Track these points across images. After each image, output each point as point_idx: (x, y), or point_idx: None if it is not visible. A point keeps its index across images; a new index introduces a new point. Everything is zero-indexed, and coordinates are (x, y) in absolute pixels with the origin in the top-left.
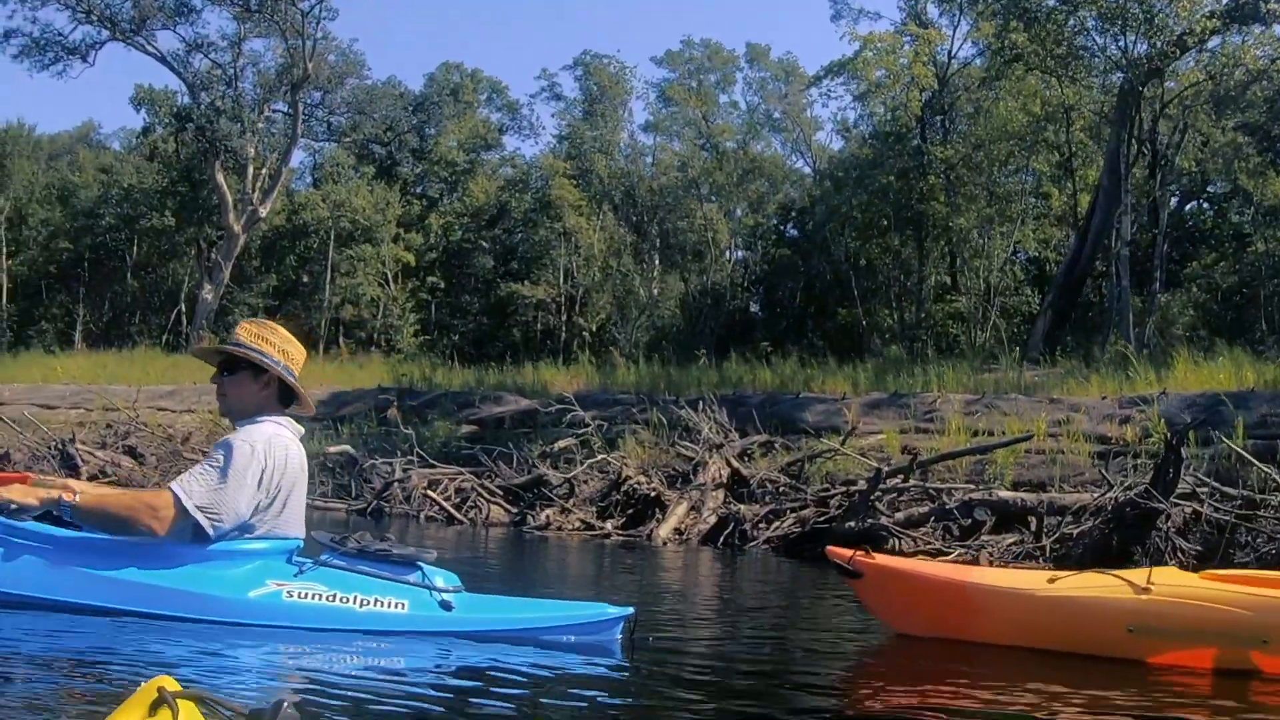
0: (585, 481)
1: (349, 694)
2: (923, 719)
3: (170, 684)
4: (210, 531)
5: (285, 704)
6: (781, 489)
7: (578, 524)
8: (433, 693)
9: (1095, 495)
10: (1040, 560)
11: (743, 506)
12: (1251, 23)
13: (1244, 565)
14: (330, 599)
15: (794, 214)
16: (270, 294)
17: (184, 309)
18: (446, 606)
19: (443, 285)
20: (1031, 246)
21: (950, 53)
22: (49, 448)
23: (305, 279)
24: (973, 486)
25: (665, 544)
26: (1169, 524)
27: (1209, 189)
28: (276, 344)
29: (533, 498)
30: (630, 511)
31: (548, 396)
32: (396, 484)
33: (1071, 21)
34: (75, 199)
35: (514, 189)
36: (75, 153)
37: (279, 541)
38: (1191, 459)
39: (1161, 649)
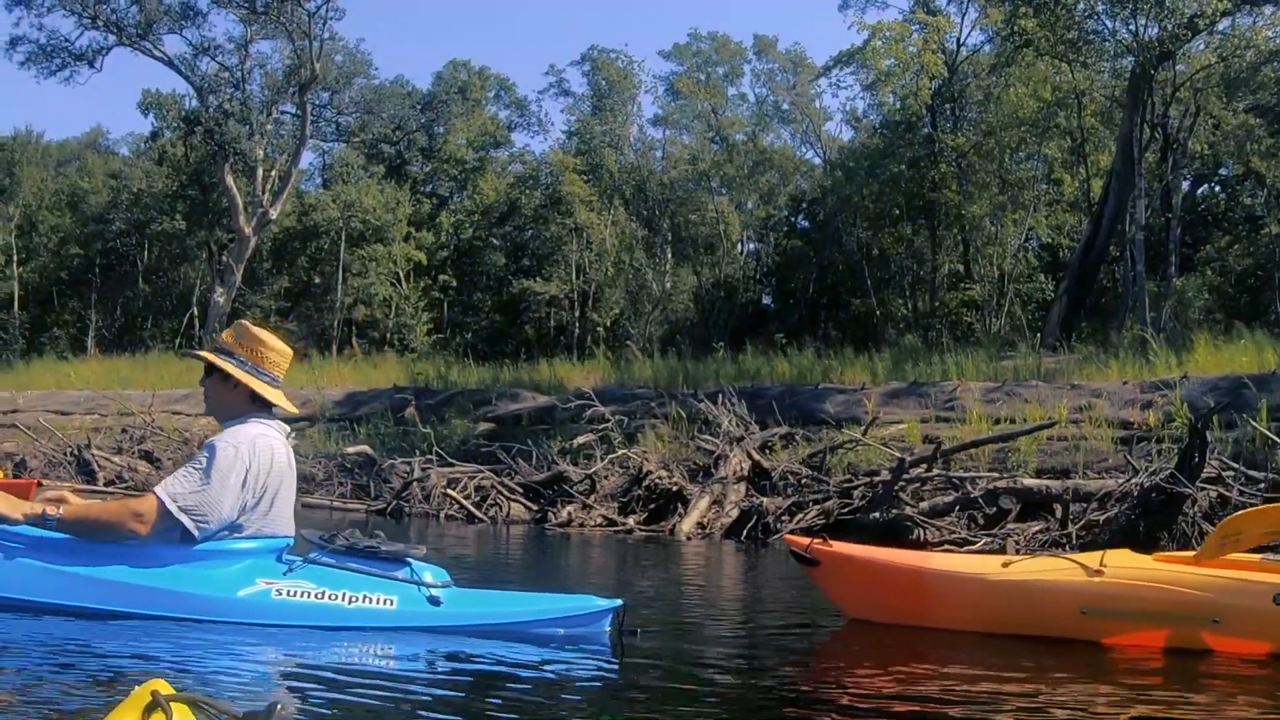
0: (606, 477)
1: (338, 690)
2: (891, 707)
3: (164, 687)
4: (196, 533)
5: (279, 705)
6: (804, 481)
7: (600, 520)
8: (421, 687)
9: (1120, 481)
10: (1067, 547)
11: (765, 499)
12: (1262, 4)
13: (1275, 549)
14: (319, 596)
15: (805, 205)
16: (282, 296)
17: (196, 313)
18: (435, 602)
19: (455, 283)
20: (1044, 233)
21: (959, 40)
22: (65, 454)
23: (317, 280)
24: (997, 475)
25: (688, 539)
26: (1195, 508)
27: (1221, 172)
28: (248, 346)
29: (553, 494)
30: (652, 506)
31: (565, 393)
32: (415, 483)
33: (1081, 5)
34: (85, 205)
35: (524, 186)
36: (84, 159)
37: (268, 540)
38: (1215, 443)
39: (1115, 630)
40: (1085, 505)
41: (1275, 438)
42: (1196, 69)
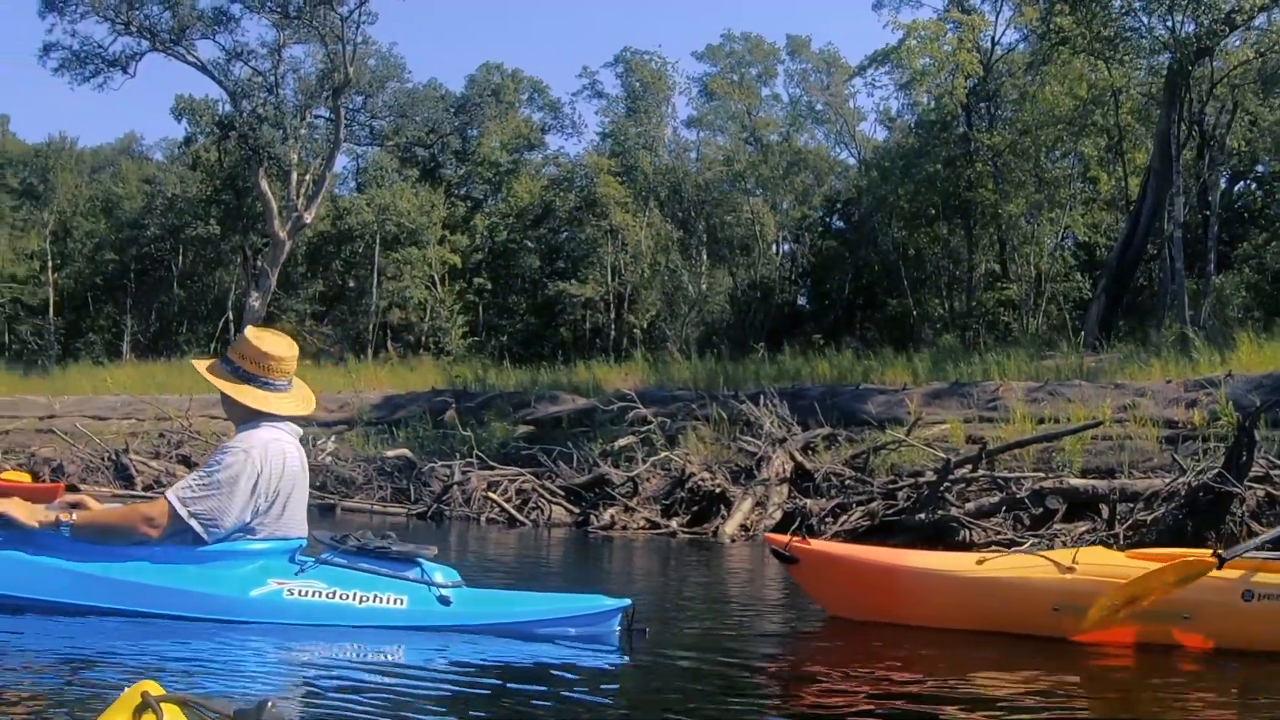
0: (648, 479)
1: (348, 688)
2: (867, 706)
3: (154, 688)
4: (206, 537)
5: (270, 704)
6: (847, 482)
7: (642, 523)
8: (431, 686)
9: (1167, 480)
10: (1115, 548)
11: (809, 501)
12: None
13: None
14: (330, 596)
15: (840, 205)
16: (317, 300)
17: (231, 317)
18: (445, 601)
19: (490, 286)
20: (1081, 231)
21: (994, 38)
22: (102, 459)
23: (351, 284)
24: (1042, 475)
25: (731, 541)
26: (1243, 508)
27: (1258, 169)
28: (250, 358)
29: (595, 497)
30: (695, 509)
31: (603, 395)
32: (456, 487)
33: (1118, 2)
34: (119, 210)
35: (558, 188)
36: (118, 165)
37: (280, 542)
38: (1262, 441)
39: (1087, 626)
40: (1132, 505)
41: None
42: (1234, 65)
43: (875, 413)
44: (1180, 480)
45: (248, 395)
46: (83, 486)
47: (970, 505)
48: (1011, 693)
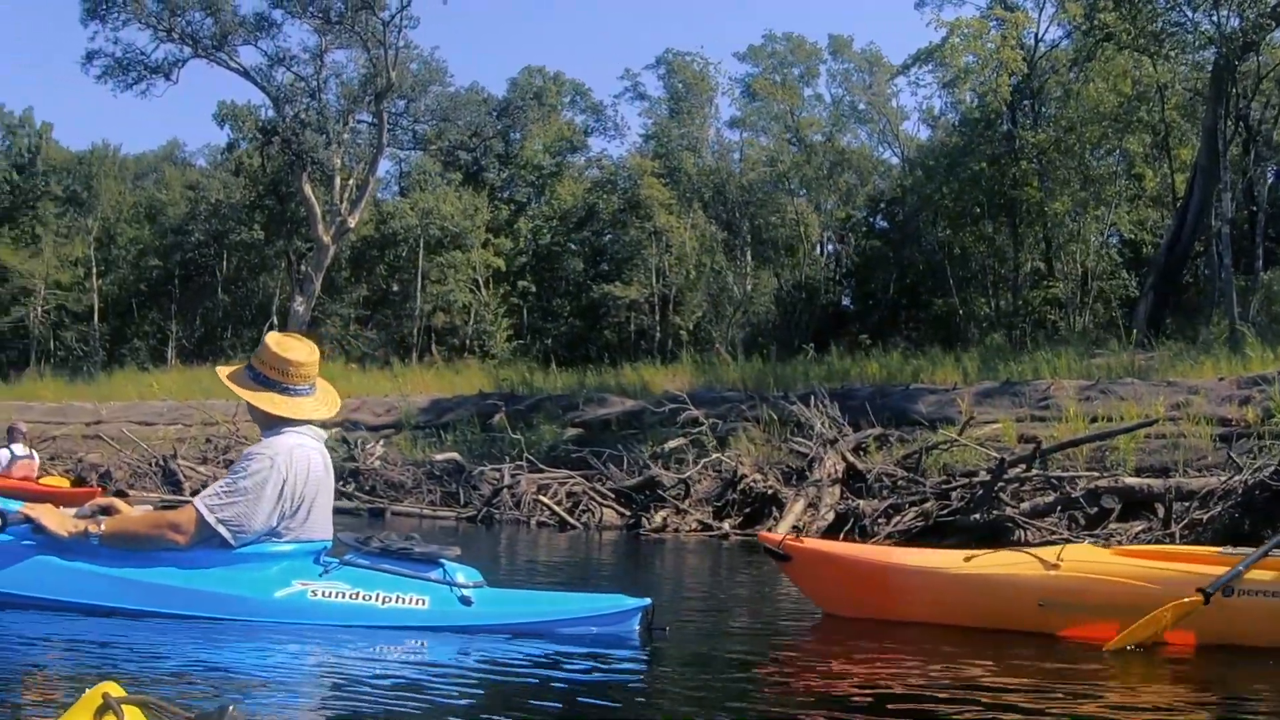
0: (699, 481)
1: (367, 687)
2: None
3: (115, 690)
4: (233, 542)
5: (231, 706)
6: (899, 483)
7: (694, 525)
8: (449, 685)
9: (1222, 479)
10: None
11: (861, 502)
12: None
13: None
14: (353, 597)
15: (883, 205)
16: (361, 304)
17: (276, 322)
18: (466, 602)
19: (534, 289)
20: (1126, 228)
21: (1037, 35)
22: (150, 464)
23: (395, 288)
24: (1097, 474)
25: None
26: None
27: None
28: (271, 364)
29: (646, 499)
30: (747, 510)
31: (651, 397)
32: (506, 490)
33: None
34: (163, 217)
35: (602, 190)
36: (161, 171)
37: (305, 544)
38: None
39: (1071, 622)
40: (1188, 504)
41: None
42: None
43: (926, 412)
44: (1236, 478)
45: (270, 402)
46: (130, 491)
47: (1025, 505)
48: (997, 687)
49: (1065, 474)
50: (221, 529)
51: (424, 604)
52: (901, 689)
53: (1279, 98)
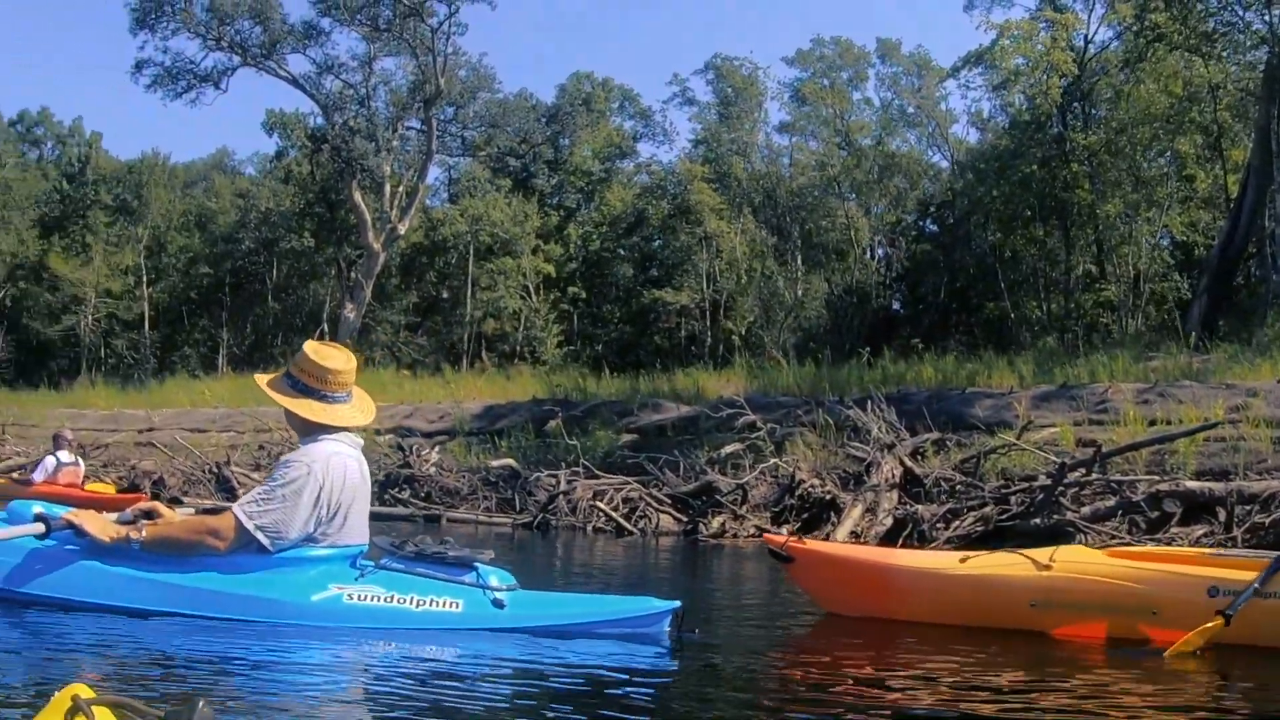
0: (756, 486)
1: (400, 688)
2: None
3: (85, 691)
4: (271, 548)
5: (201, 704)
6: (957, 487)
7: (752, 530)
8: (480, 687)
9: None
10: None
11: (920, 506)
12: None
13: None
14: (388, 600)
15: (933, 209)
16: (411, 310)
17: (326, 329)
18: (499, 604)
19: (584, 295)
20: (1178, 230)
21: (1087, 37)
22: (203, 471)
23: (445, 294)
24: (1157, 478)
25: None
26: None
27: None
28: (310, 371)
29: (703, 505)
30: (805, 515)
31: (704, 402)
32: (562, 496)
33: None
34: (213, 225)
35: (651, 196)
36: (211, 179)
37: (342, 549)
38: None
39: (1061, 621)
40: (1249, 507)
41: None
42: None
43: (983, 416)
44: None
45: (308, 409)
46: (185, 499)
47: (1086, 509)
48: (990, 684)
49: (1125, 478)
50: (259, 535)
51: (457, 607)
52: (901, 689)
53: None
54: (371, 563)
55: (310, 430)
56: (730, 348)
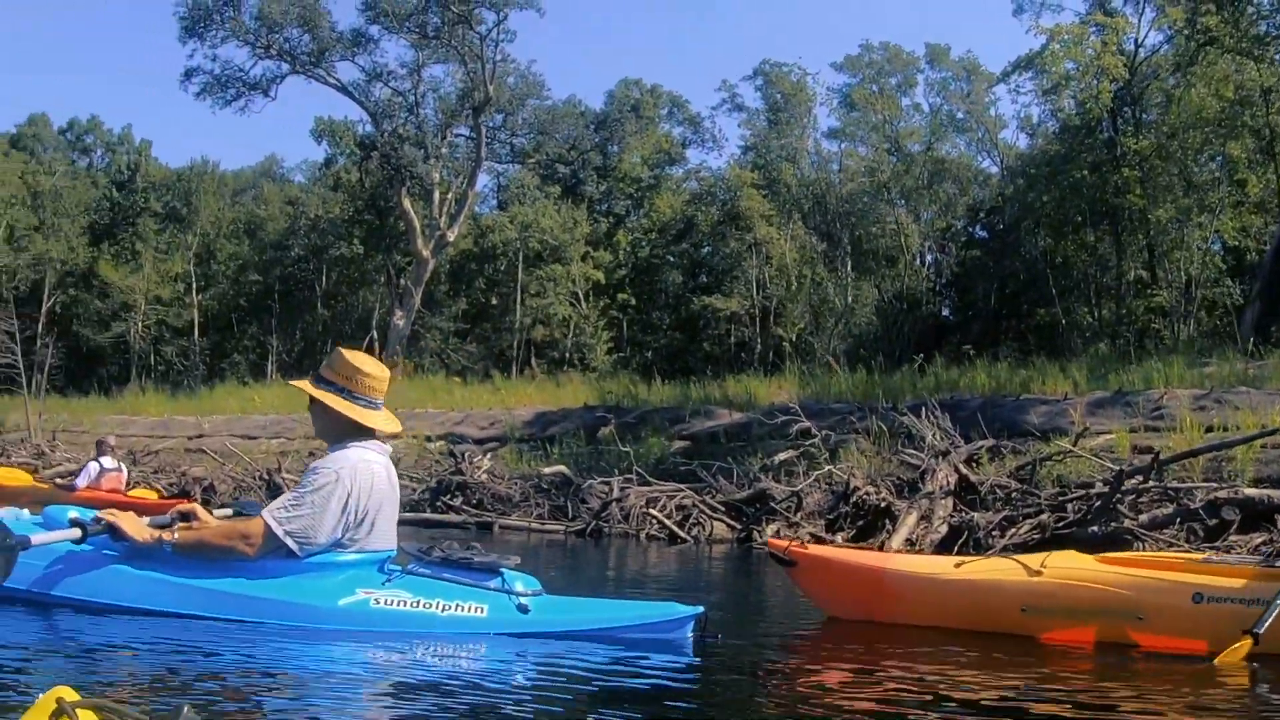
0: (810, 493)
1: (424, 692)
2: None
3: (69, 694)
4: (300, 553)
5: (186, 708)
6: (1013, 494)
7: (807, 538)
8: (504, 690)
9: None
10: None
11: (976, 514)
12: None
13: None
14: (414, 605)
15: (983, 214)
16: (460, 317)
17: (376, 336)
18: (524, 609)
19: (633, 302)
20: (1230, 235)
21: (1138, 41)
22: (254, 478)
23: (494, 301)
24: (1215, 485)
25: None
26: None
27: None
28: (345, 374)
29: (757, 512)
30: (860, 523)
31: (757, 409)
32: (615, 503)
33: (1266, 0)
34: (262, 232)
35: (700, 202)
36: (260, 187)
37: (370, 554)
38: None
39: (1051, 626)
40: None
41: None
42: None
43: (1037, 423)
44: None
45: (337, 403)
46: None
47: (1144, 517)
48: (979, 687)
49: (1182, 485)
50: (289, 540)
51: (483, 611)
52: (897, 692)
53: None
54: (399, 568)
55: (338, 438)
56: (780, 354)
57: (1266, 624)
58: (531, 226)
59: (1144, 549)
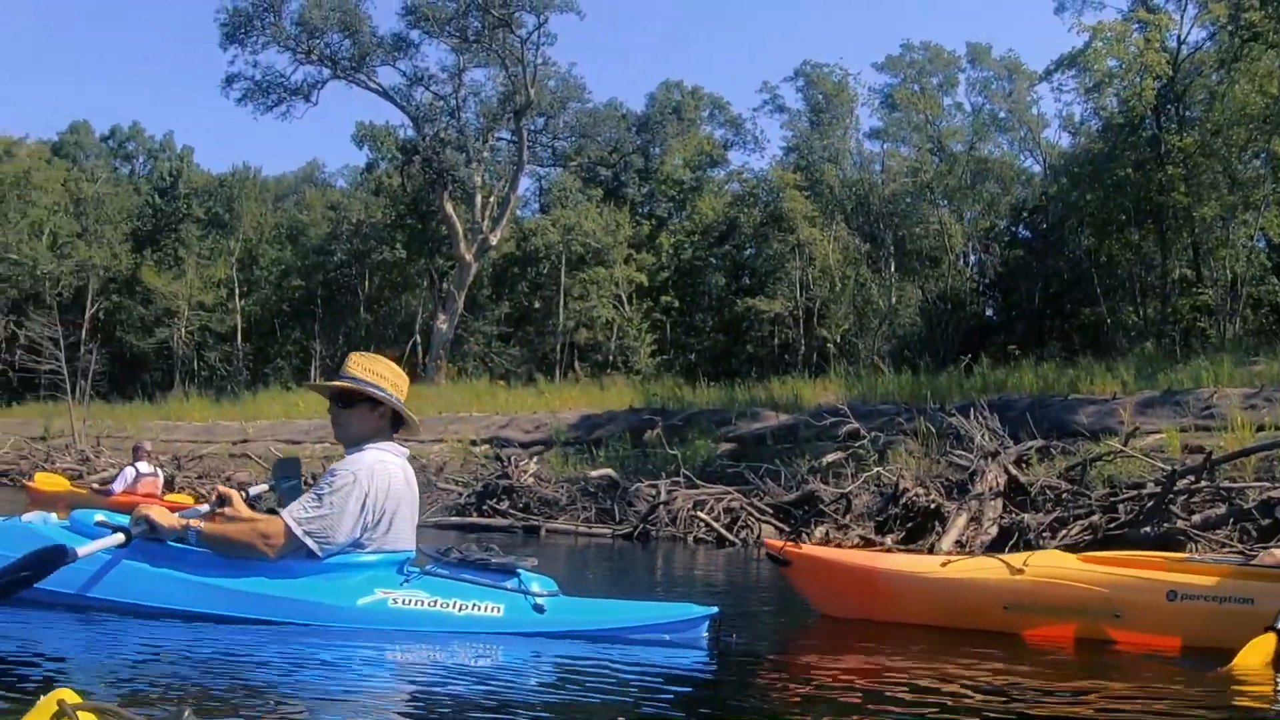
0: (858, 495)
1: (439, 691)
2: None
3: (71, 696)
4: (319, 553)
5: (187, 712)
6: (1063, 495)
7: (856, 540)
8: (519, 690)
9: None
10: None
11: (1026, 515)
12: None
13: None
14: (431, 605)
15: (1026, 214)
16: (503, 321)
17: (419, 340)
18: (539, 610)
19: (676, 304)
20: (1275, 233)
21: (1180, 37)
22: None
23: (537, 305)
24: (1268, 484)
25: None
26: None
27: None
28: (388, 377)
29: (805, 515)
30: (909, 525)
31: (803, 410)
32: (662, 506)
33: None
34: (304, 237)
35: (743, 204)
36: (301, 192)
37: (388, 555)
38: None
39: (1032, 624)
40: None
41: None
42: None
43: (1087, 423)
44: None
45: (398, 406)
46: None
47: (1196, 517)
48: (962, 682)
49: (1234, 485)
50: (308, 540)
51: (499, 611)
52: (895, 689)
53: None
54: (417, 569)
55: (357, 440)
56: (825, 356)
57: None
58: (574, 229)
59: (1196, 550)
